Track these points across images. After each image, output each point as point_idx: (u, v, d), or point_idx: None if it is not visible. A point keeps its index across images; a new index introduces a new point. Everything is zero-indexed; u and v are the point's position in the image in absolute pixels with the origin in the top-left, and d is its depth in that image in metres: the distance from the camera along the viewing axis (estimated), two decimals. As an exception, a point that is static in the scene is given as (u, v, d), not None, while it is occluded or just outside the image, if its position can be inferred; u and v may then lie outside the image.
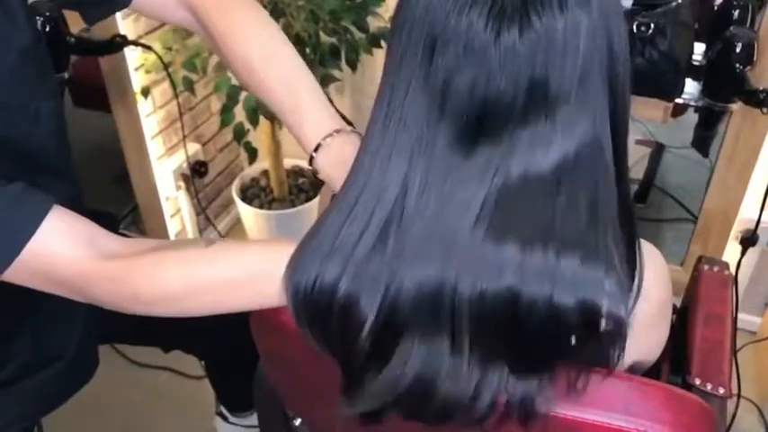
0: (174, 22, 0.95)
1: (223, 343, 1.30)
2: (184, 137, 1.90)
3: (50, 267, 0.70)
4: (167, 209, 1.96)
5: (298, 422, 0.89)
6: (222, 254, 0.70)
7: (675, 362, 0.87)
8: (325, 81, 1.68)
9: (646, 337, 0.69)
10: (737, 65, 1.31)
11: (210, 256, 0.70)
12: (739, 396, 1.52)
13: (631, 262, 0.64)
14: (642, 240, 0.67)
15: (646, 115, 1.40)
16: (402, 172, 0.61)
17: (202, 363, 1.54)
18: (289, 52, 0.87)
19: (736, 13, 1.35)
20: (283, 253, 0.66)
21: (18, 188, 0.69)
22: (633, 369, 0.71)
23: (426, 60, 0.58)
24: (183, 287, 0.69)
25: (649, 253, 0.68)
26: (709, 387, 0.82)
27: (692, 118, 1.64)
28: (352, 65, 1.69)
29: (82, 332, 1.01)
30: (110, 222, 1.30)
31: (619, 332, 0.60)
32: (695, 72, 1.37)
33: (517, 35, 0.55)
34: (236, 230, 2.20)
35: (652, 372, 0.76)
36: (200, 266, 0.69)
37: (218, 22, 0.87)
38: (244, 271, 0.69)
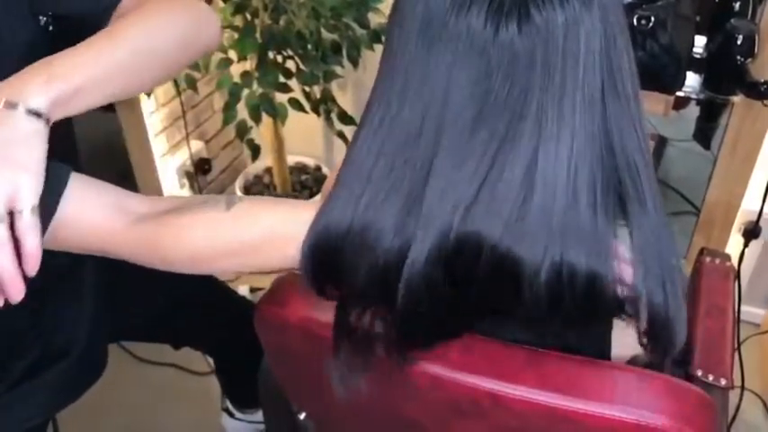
0: None
1: (232, 339, 1.31)
2: (187, 134, 1.90)
3: (79, 234, 0.70)
4: (171, 206, 1.97)
5: (302, 416, 0.90)
6: (248, 215, 0.71)
7: (678, 354, 0.88)
8: (327, 77, 1.69)
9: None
10: (738, 57, 1.30)
11: (236, 217, 0.71)
12: (743, 388, 1.52)
13: None
14: None
15: (647, 108, 1.40)
16: (399, 163, 0.61)
17: (210, 359, 1.55)
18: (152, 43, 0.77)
19: (737, 6, 1.34)
20: (308, 214, 0.67)
21: None
22: (634, 361, 0.71)
23: (424, 56, 0.58)
24: (211, 249, 0.70)
25: None
26: (710, 378, 0.82)
27: (694, 111, 1.64)
28: (354, 61, 1.70)
29: (90, 330, 1.01)
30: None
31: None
32: (696, 65, 1.37)
33: (516, 30, 0.55)
34: (240, 227, 2.21)
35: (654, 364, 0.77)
36: (227, 228, 0.70)
37: None
38: (271, 232, 0.70)
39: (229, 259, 0.71)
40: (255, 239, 0.69)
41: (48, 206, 0.67)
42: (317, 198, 1.99)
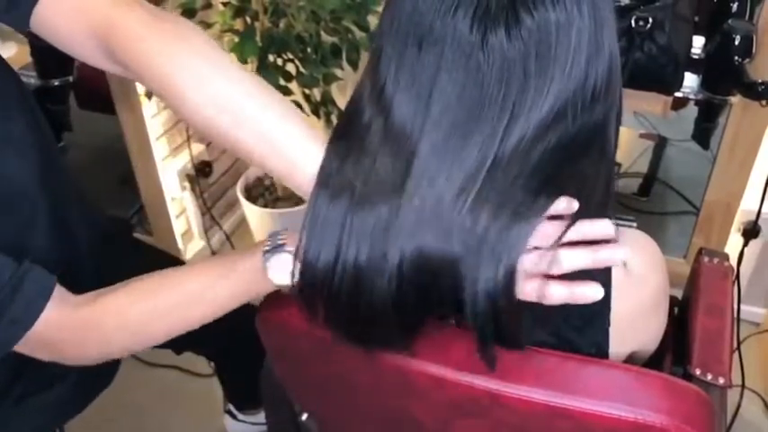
0: (90, 62, 0.76)
1: (234, 343, 1.31)
2: (189, 137, 1.91)
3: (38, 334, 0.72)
4: (173, 209, 1.98)
5: (304, 417, 0.90)
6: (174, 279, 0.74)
7: (677, 353, 0.88)
8: (327, 80, 1.69)
9: (643, 324, 0.70)
10: (736, 57, 1.31)
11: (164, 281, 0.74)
12: (743, 387, 1.53)
13: None
14: (634, 230, 0.68)
15: (645, 109, 1.41)
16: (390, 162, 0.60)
17: (211, 363, 1.55)
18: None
19: (734, 6, 1.35)
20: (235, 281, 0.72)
21: (24, 269, 0.71)
22: (632, 359, 0.72)
23: (413, 58, 0.58)
24: (148, 314, 0.74)
25: (642, 241, 0.68)
26: (709, 377, 0.82)
27: (693, 111, 1.64)
28: (354, 63, 1.70)
29: None
30: (124, 228, 1.30)
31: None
32: (694, 65, 1.37)
33: (504, 35, 0.55)
34: (241, 230, 2.22)
35: (654, 363, 0.77)
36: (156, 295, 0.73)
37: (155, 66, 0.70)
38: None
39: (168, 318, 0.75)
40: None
41: (29, 317, 0.70)
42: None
